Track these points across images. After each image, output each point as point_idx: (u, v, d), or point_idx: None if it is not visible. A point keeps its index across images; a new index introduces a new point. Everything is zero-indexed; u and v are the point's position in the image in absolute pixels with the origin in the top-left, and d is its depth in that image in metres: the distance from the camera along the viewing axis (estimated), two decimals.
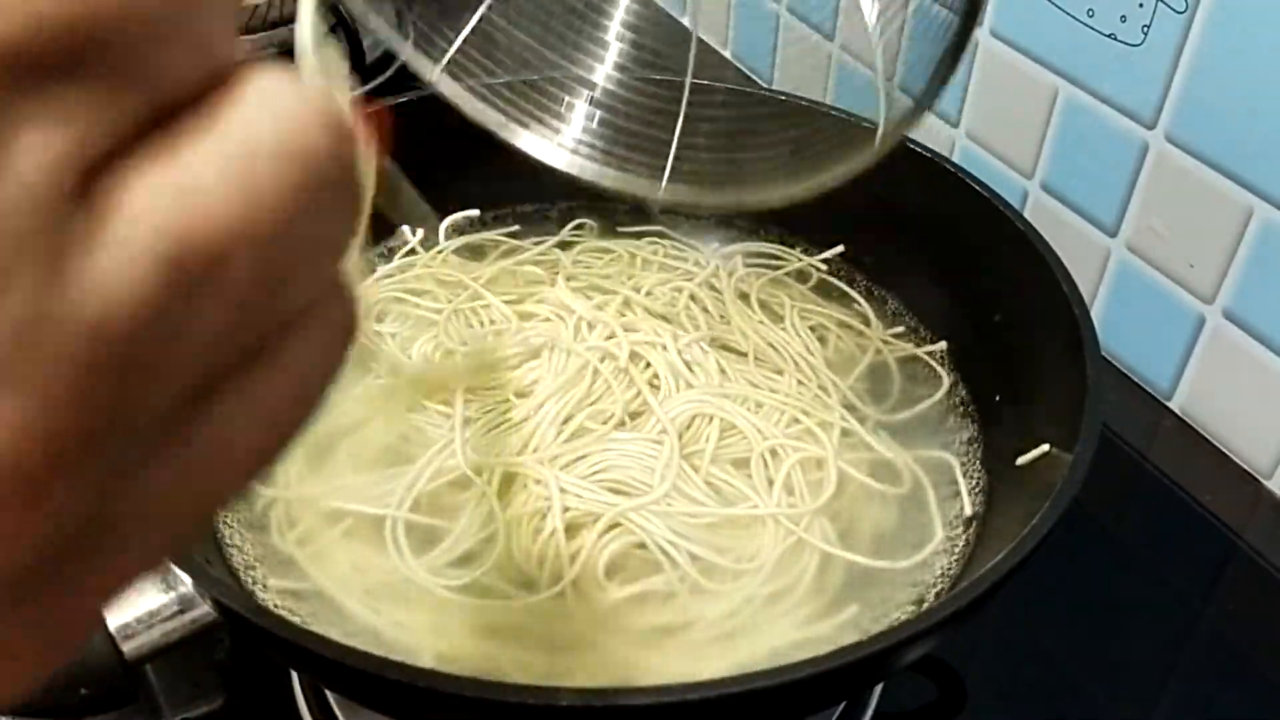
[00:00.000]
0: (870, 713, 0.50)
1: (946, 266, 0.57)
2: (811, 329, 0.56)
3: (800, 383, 0.53)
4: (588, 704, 0.34)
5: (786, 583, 0.45)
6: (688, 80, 0.43)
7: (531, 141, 0.43)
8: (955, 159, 0.69)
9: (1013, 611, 0.55)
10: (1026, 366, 0.51)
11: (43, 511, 0.13)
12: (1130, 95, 0.62)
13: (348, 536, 0.47)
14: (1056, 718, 0.53)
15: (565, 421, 0.49)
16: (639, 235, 0.62)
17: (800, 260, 0.60)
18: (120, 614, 0.40)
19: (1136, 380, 0.68)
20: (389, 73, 0.89)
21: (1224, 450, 0.64)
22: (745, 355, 0.54)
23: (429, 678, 0.34)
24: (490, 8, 0.39)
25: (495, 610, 0.44)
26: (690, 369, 0.52)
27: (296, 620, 0.43)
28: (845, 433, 0.51)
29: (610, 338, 0.53)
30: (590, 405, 0.50)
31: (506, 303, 0.56)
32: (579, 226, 0.63)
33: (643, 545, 0.45)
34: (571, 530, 0.46)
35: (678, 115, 0.44)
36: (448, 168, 0.62)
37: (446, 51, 0.38)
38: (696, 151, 0.44)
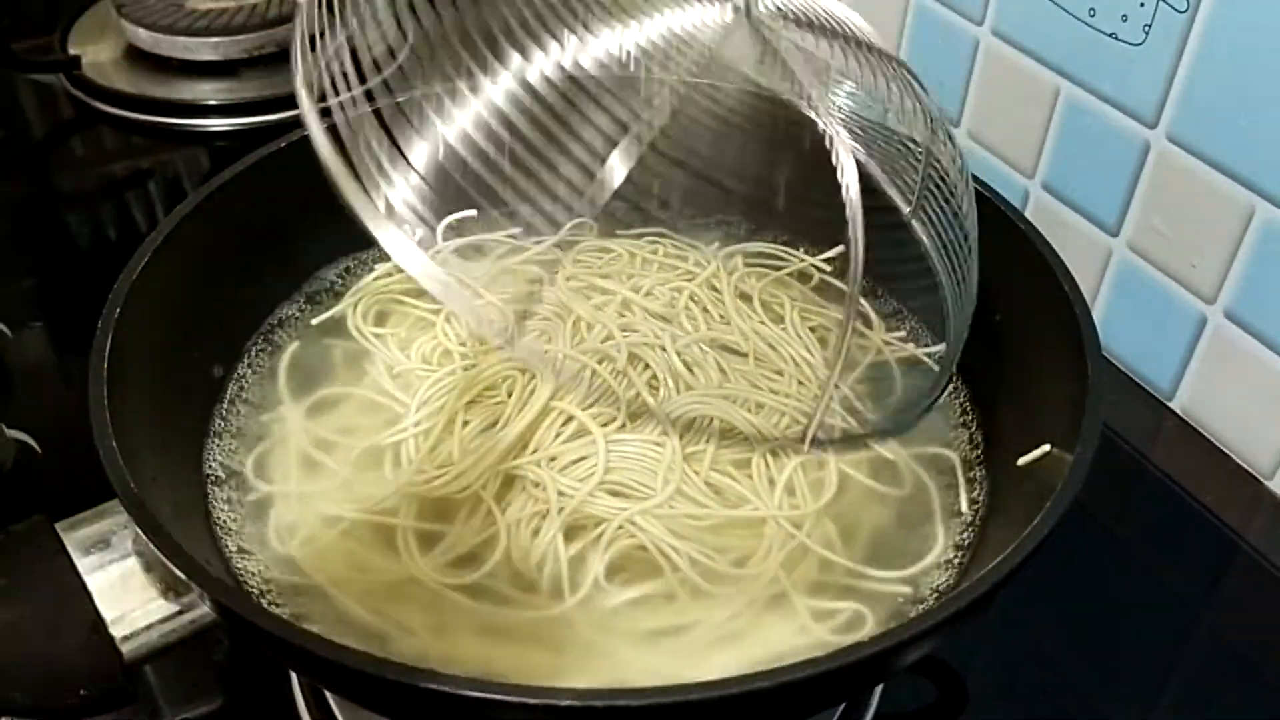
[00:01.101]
0: (871, 713, 0.50)
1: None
2: (812, 329, 0.56)
3: (800, 384, 0.53)
4: (588, 705, 0.34)
5: (787, 585, 0.45)
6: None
7: None
8: None
9: (1014, 612, 0.55)
10: (1027, 366, 0.50)
11: None
12: (1131, 94, 0.62)
13: (346, 537, 0.46)
14: (1057, 719, 0.53)
15: (565, 423, 0.49)
16: (639, 235, 0.61)
17: (801, 260, 0.60)
18: (119, 615, 0.40)
19: (1138, 380, 0.68)
20: (384, 74, 0.89)
21: (1225, 450, 0.64)
22: (745, 356, 0.54)
23: (429, 678, 0.34)
24: None
25: (495, 611, 0.44)
26: (690, 370, 0.52)
27: (296, 621, 0.43)
28: (846, 433, 0.51)
29: (608, 339, 0.53)
30: (590, 407, 0.50)
31: (505, 302, 0.56)
32: (579, 226, 0.63)
33: (643, 547, 0.45)
34: (571, 533, 0.46)
35: None
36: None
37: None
38: None
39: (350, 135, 0.34)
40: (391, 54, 0.36)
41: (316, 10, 0.37)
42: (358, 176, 0.34)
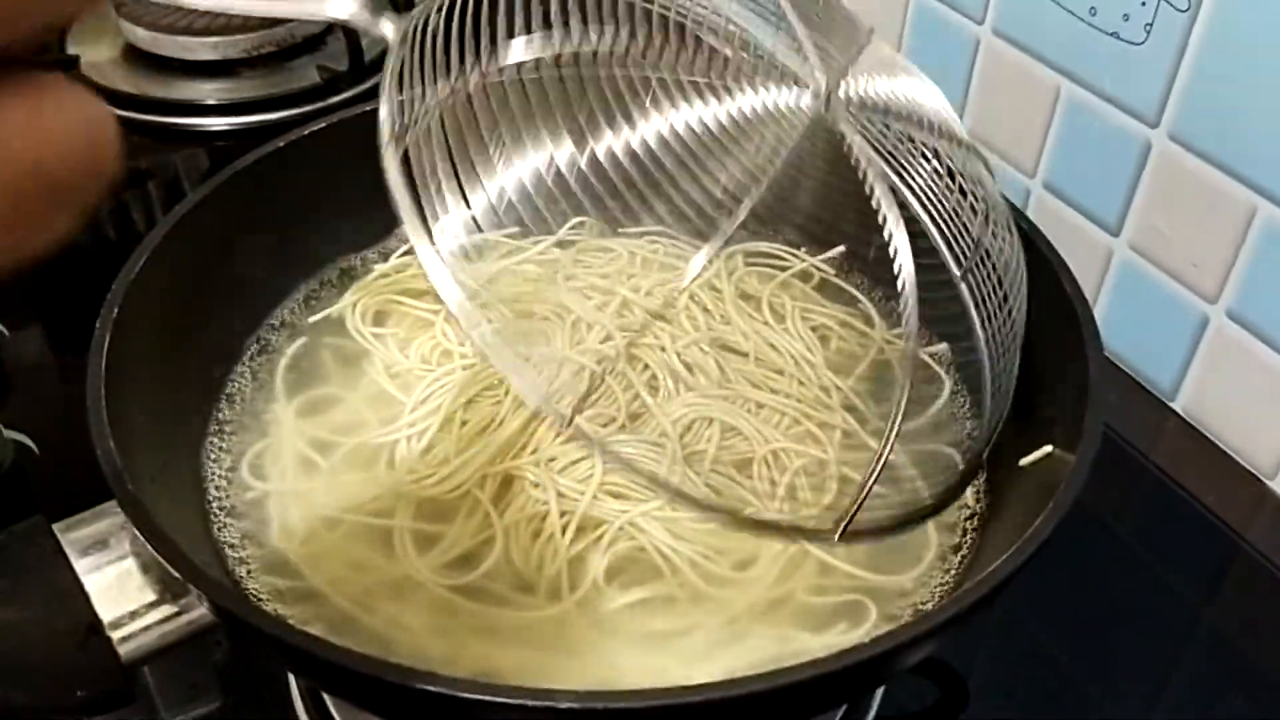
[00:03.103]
0: (872, 714, 0.50)
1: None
2: (813, 329, 0.56)
3: (801, 384, 0.52)
4: (587, 706, 0.34)
5: (788, 588, 0.45)
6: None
7: None
8: None
9: (1015, 613, 0.55)
10: (1029, 366, 0.50)
11: None
12: (1133, 94, 0.62)
13: (344, 537, 0.46)
14: (1058, 719, 0.53)
15: None
16: (639, 235, 0.61)
17: (803, 260, 0.60)
18: (116, 616, 0.40)
19: (1139, 380, 0.68)
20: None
21: (1227, 450, 0.64)
22: (746, 356, 0.54)
23: (427, 680, 0.34)
24: None
25: (494, 613, 0.44)
26: (690, 370, 0.52)
27: (294, 622, 0.43)
28: (846, 434, 0.51)
29: (607, 339, 0.53)
30: (589, 408, 0.50)
31: (505, 302, 0.56)
32: (579, 225, 0.62)
33: (643, 549, 0.45)
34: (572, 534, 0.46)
35: None
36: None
37: None
38: None
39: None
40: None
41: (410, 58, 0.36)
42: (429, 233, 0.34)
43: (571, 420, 0.34)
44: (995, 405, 0.44)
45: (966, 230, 0.43)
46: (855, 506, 0.37)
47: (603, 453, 0.37)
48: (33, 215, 0.17)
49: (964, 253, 0.43)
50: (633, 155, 0.36)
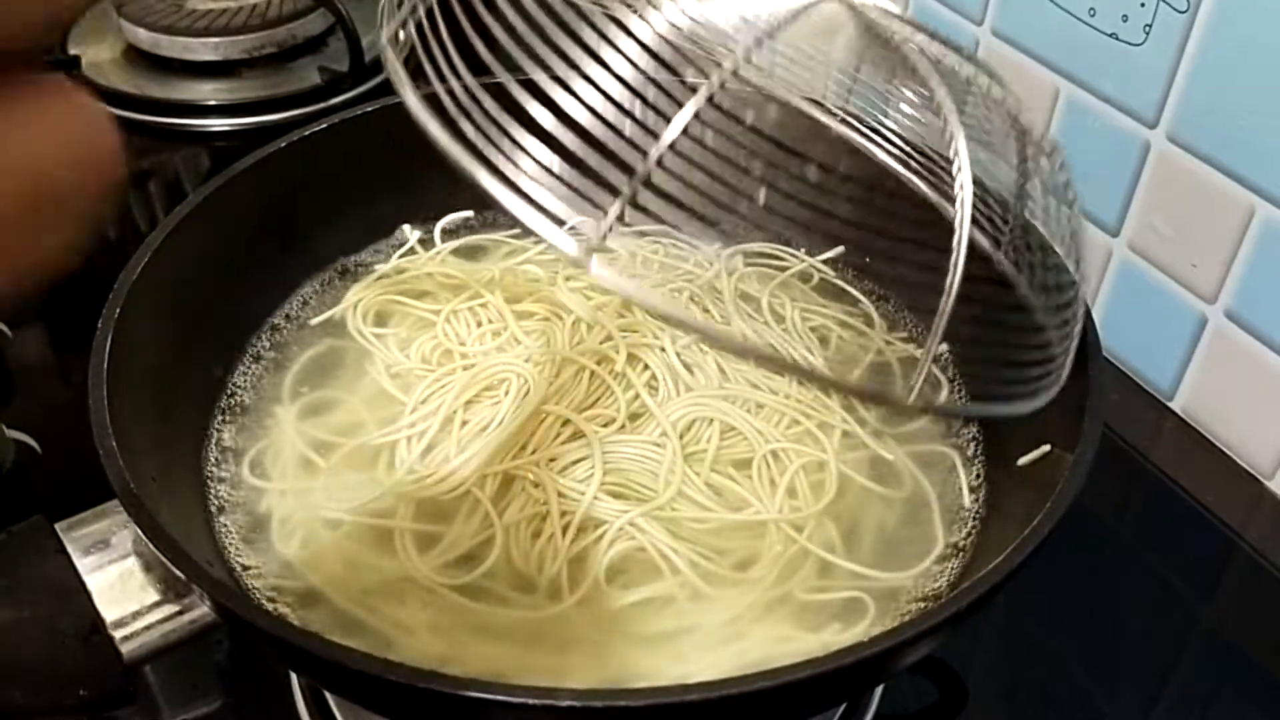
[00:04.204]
0: (871, 713, 0.50)
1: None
2: (813, 330, 0.56)
3: (801, 384, 0.53)
4: (587, 705, 0.34)
5: (787, 588, 0.45)
6: None
7: None
8: None
9: (1014, 612, 0.55)
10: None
11: None
12: (1132, 95, 0.62)
13: (345, 537, 0.46)
14: (1057, 718, 0.53)
15: (564, 424, 0.49)
16: (640, 235, 0.61)
17: (803, 261, 0.60)
18: (119, 616, 0.40)
19: (1138, 380, 0.68)
20: (385, 74, 0.89)
21: (1225, 450, 0.64)
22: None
23: (429, 679, 0.34)
24: None
25: (494, 612, 0.44)
26: (689, 370, 0.52)
27: (295, 621, 0.43)
28: (846, 434, 0.51)
29: (607, 340, 0.53)
30: (589, 409, 0.50)
31: (505, 303, 0.56)
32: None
33: (644, 549, 0.45)
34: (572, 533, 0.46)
35: None
36: (442, 168, 0.62)
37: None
38: None
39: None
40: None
41: None
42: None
43: (592, 253, 0.33)
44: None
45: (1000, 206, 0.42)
46: (920, 375, 0.37)
47: (631, 294, 0.35)
48: (38, 222, 0.17)
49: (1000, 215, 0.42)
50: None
